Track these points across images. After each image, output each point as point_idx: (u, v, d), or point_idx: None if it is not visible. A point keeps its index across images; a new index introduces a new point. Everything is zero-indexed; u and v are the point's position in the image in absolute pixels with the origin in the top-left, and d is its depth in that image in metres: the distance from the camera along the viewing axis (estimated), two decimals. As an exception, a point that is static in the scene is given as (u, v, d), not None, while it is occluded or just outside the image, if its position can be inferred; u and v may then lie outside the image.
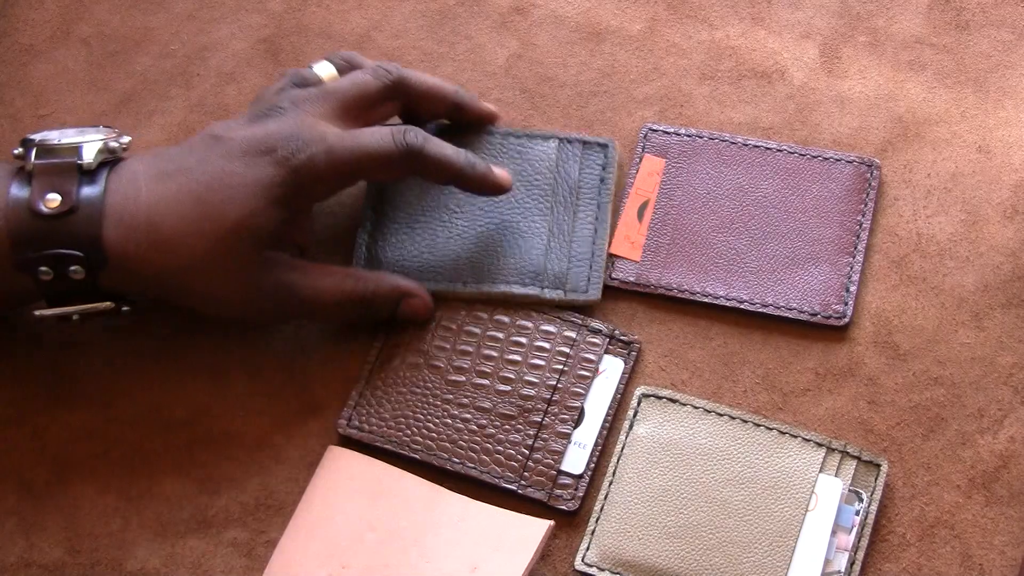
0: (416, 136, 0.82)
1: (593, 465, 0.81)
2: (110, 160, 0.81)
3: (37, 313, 0.81)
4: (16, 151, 0.81)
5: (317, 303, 0.81)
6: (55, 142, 0.80)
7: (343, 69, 0.86)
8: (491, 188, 0.85)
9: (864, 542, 0.77)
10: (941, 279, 0.86)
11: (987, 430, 0.81)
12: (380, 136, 0.81)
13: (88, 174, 0.79)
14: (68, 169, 0.79)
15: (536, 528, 0.77)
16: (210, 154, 0.80)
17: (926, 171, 0.89)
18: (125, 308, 0.82)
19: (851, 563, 0.77)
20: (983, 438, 0.81)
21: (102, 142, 0.80)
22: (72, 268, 0.78)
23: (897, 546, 0.78)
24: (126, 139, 0.83)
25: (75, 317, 0.81)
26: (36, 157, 0.79)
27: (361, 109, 0.84)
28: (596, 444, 0.81)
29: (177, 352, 0.85)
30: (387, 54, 0.96)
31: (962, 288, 0.85)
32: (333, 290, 0.81)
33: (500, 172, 0.85)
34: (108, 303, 0.81)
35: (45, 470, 0.82)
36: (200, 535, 0.80)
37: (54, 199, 0.78)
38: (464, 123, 0.90)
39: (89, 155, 0.80)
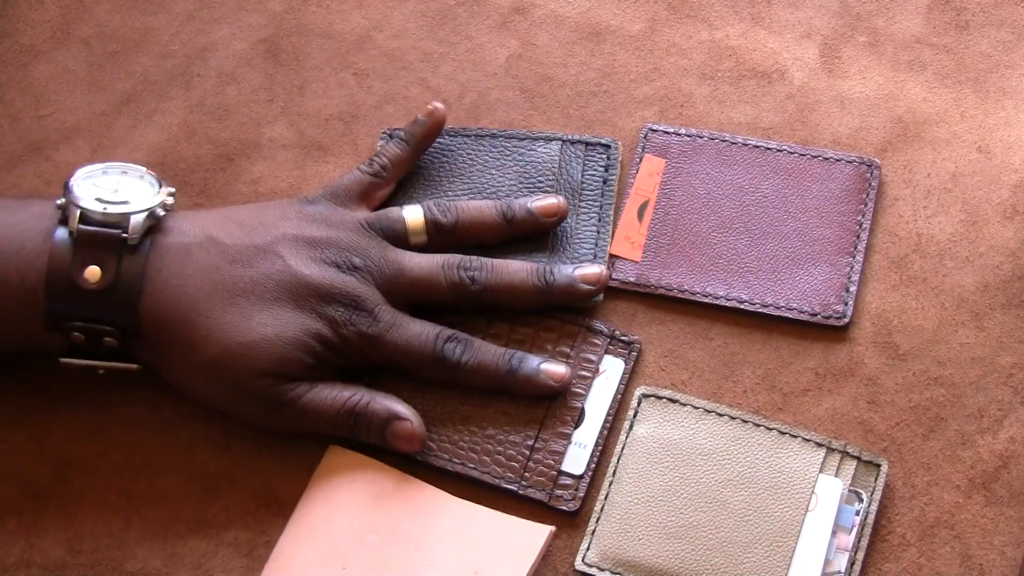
0: (454, 349, 0.80)
1: (593, 465, 0.81)
2: (154, 224, 0.80)
3: (63, 361, 0.80)
4: (59, 201, 0.79)
5: (312, 411, 0.79)
6: (100, 211, 0.78)
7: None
8: (540, 390, 0.81)
9: (864, 542, 0.77)
10: (941, 279, 0.86)
11: (987, 430, 0.81)
12: (424, 338, 0.80)
13: (132, 246, 0.79)
14: (112, 241, 0.78)
15: (538, 533, 0.77)
16: (272, 269, 0.79)
17: (926, 171, 0.89)
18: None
19: (851, 563, 0.77)
20: (983, 438, 0.81)
21: (148, 213, 0.79)
22: (106, 339, 0.78)
23: (897, 546, 0.78)
24: (171, 193, 0.82)
25: (100, 372, 0.81)
26: (80, 221, 0.78)
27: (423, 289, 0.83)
28: (596, 444, 0.81)
29: (177, 352, 0.85)
30: (387, 54, 0.96)
31: (962, 288, 0.85)
32: (330, 400, 0.79)
33: (554, 369, 0.81)
34: (136, 365, 0.81)
35: (46, 470, 0.82)
36: (200, 535, 0.80)
37: (94, 272, 0.77)
38: (520, 236, 0.86)
39: (136, 229, 0.78)
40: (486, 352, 0.81)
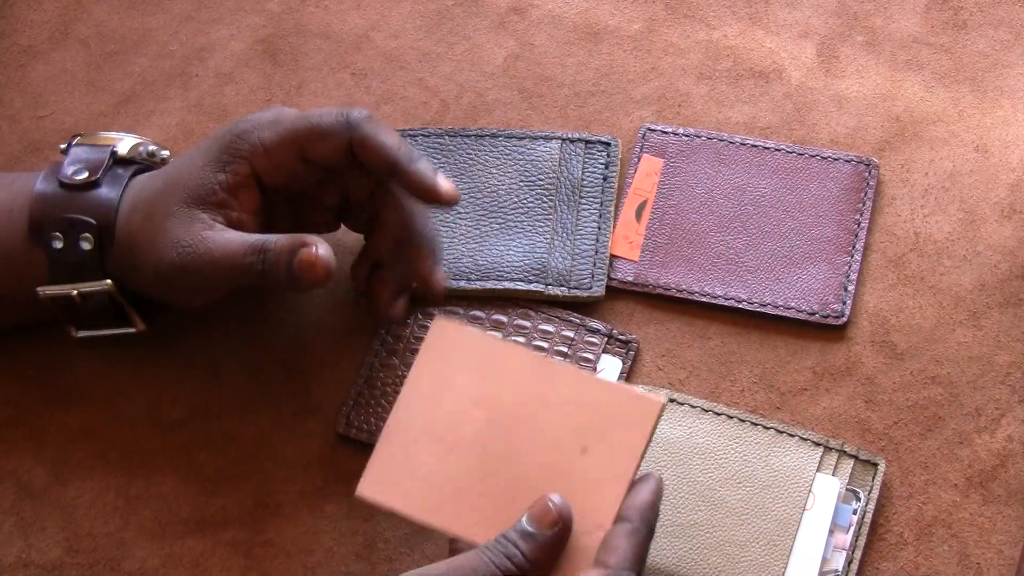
0: (360, 112, 0.79)
1: (591, 464, 0.81)
2: (144, 164, 0.83)
3: (40, 290, 0.80)
4: (61, 147, 0.84)
5: (221, 255, 0.77)
6: (95, 135, 0.84)
7: None
8: (429, 193, 0.79)
9: (861, 541, 0.77)
10: (939, 278, 0.86)
11: (984, 429, 0.81)
12: (326, 110, 0.80)
13: (120, 163, 0.82)
14: (102, 153, 0.82)
15: (649, 407, 0.73)
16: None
17: (924, 170, 0.90)
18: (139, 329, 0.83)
19: (848, 562, 0.77)
20: (980, 437, 0.81)
21: (140, 142, 0.84)
22: (83, 235, 0.79)
23: (895, 545, 0.78)
24: (165, 153, 0.85)
25: (74, 293, 0.80)
26: (76, 144, 0.83)
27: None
28: (594, 443, 0.81)
29: (175, 352, 0.85)
30: (385, 54, 0.96)
31: (959, 287, 0.85)
32: (238, 242, 0.78)
33: (446, 182, 0.80)
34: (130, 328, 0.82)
35: (44, 470, 0.82)
36: (198, 535, 0.80)
37: (82, 173, 0.81)
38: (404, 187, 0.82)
39: (124, 148, 0.83)
40: (388, 131, 0.80)
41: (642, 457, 0.71)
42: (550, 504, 0.70)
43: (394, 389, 0.83)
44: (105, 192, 0.80)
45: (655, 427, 0.72)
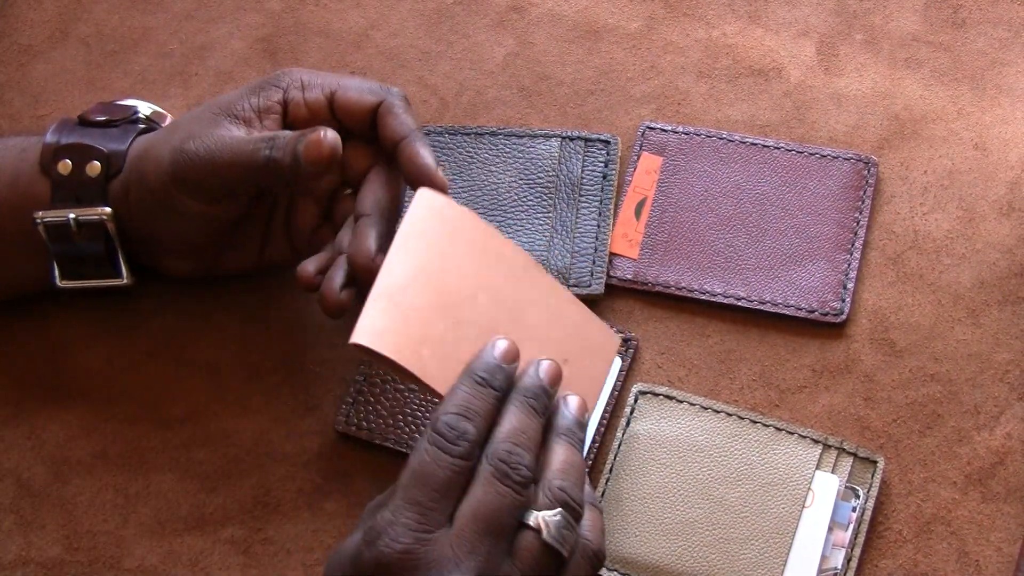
0: (400, 90, 0.82)
1: (591, 462, 0.81)
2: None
3: (37, 215, 0.81)
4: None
5: (230, 141, 0.78)
6: (121, 102, 0.87)
7: None
8: (424, 173, 0.78)
9: (861, 539, 0.77)
10: (938, 276, 0.86)
11: (983, 427, 0.81)
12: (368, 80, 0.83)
13: (138, 121, 0.84)
14: (125, 110, 0.85)
15: (611, 341, 0.78)
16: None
17: (923, 168, 0.90)
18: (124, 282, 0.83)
19: (848, 559, 0.77)
20: (979, 435, 0.81)
21: (161, 111, 0.87)
22: (91, 161, 0.81)
23: (894, 543, 0.78)
24: None
25: (71, 217, 0.81)
26: (102, 104, 0.86)
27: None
28: (593, 441, 0.81)
29: (175, 351, 0.85)
30: (385, 53, 0.96)
31: (958, 285, 0.85)
32: (248, 136, 0.79)
33: (442, 175, 0.78)
34: (117, 280, 0.83)
35: (43, 468, 0.82)
36: (198, 533, 0.80)
37: (101, 116, 0.84)
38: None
39: (145, 110, 0.86)
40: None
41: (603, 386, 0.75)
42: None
43: (393, 387, 0.83)
44: (119, 133, 0.82)
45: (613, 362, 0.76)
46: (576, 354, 0.75)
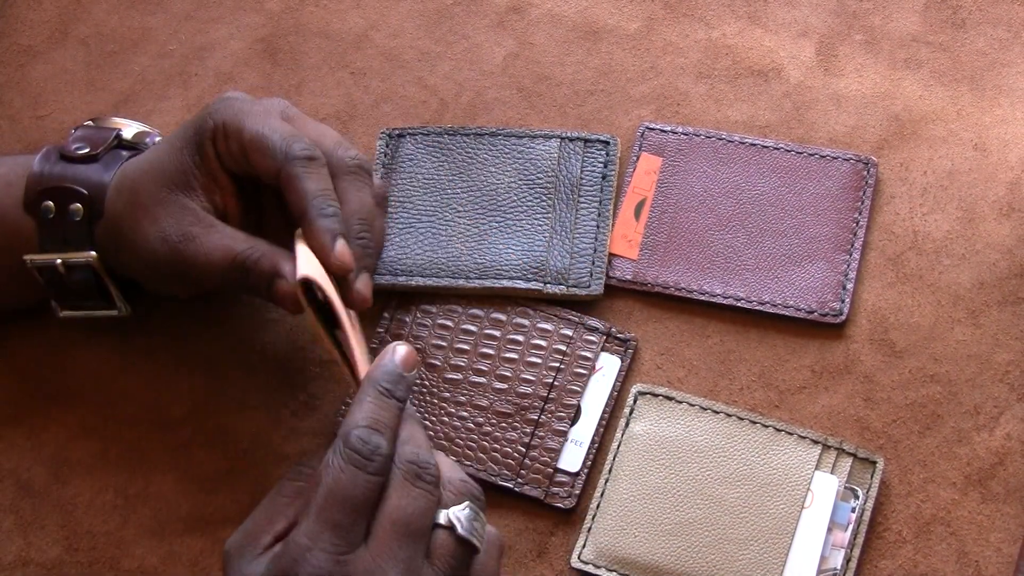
0: (304, 150, 0.77)
1: (590, 463, 0.81)
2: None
3: (27, 258, 0.80)
4: (73, 129, 0.85)
5: (207, 259, 0.78)
6: (108, 119, 0.87)
7: None
8: (321, 253, 0.76)
9: (860, 539, 0.77)
10: (937, 276, 0.86)
11: (983, 427, 0.81)
12: (287, 130, 0.78)
13: (124, 148, 0.84)
14: (107, 133, 0.84)
15: None
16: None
17: (922, 169, 0.90)
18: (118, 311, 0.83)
19: (847, 560, 0.77)
20: (979, 435, 0.81)
21: (147, 131, 0.86)
22: (73, 204, 0.80)
23: (893, 543, 0.78)
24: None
25: (59, 262, 0.80)
26: (84, 125, 0.86)
27: None
28: (593, 442, 0.81)
29: (174, 351, 0.85)
30: (384, 53, 0.96)
31: (958, 285, 0.85)
32: (225, 249, 0.78)
33: (346, 253, 0.76)
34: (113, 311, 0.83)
35: (43, 469, 0.82)
36: (197, 533, 0.80)
37: (83, 148, 0.82)
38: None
39: (129, 133, 0.85)
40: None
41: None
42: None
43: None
44: (100, 168, 0.81)
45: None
46: None
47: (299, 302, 0.74)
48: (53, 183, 0.81)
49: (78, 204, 0.80)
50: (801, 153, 0.90)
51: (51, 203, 0.80)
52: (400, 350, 0.71)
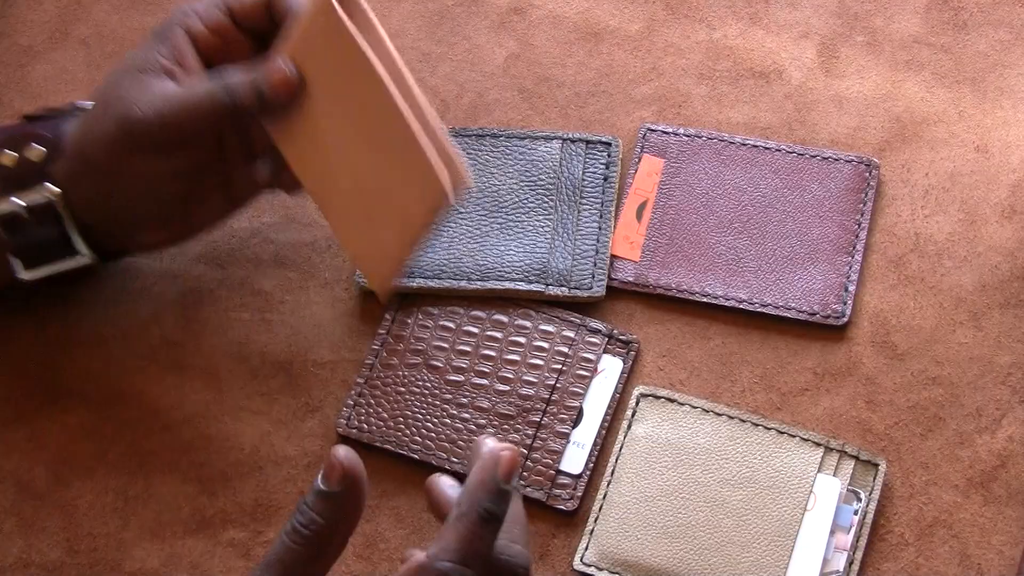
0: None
1: (592, 465, 0.81)
2: None
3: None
4: None
5: (175, 104, 0.78)
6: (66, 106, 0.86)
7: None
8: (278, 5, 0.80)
9: (862, 542, 0.77)
10: (939, 279, 0.86)
11: (985, 430, 0.81)
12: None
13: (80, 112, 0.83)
14: (67, 107, 0.84)
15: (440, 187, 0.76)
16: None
17: (924, 171, 0.89)
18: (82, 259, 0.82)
19: (849, 563, 0.77)
20: (981, 438, 0.81)
21: None
22: (32, 145, 0.80)
23: (895, 546, 0.78)
24: None
25: (22, 205, 0.80)
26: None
27: None
28: (595, 444, 0.81)
29: (175, 353, 0.85)
30: (385, 54, 0.96)
31: (960, 288, 0.85)
32: (188, 91, 0.78)
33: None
34: (78, 260, 0.82)
35: (44, 471, 0.82)
36: (198, 535, 0.80)
37: (40, 108, 0.84)
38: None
39: (88, 105, 0.83)
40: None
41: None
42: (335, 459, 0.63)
43: (395, 390, 0.83)
44: (59, 120, 0.82)
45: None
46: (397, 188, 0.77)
47: (295, 79, 0.78)
48: (9, 133, 0.81)
49: (35, 145, 0.80)
50: (803, 155, 0.90)
51: (10, 151, 0.80)
52: (504, 458, 0.63)
